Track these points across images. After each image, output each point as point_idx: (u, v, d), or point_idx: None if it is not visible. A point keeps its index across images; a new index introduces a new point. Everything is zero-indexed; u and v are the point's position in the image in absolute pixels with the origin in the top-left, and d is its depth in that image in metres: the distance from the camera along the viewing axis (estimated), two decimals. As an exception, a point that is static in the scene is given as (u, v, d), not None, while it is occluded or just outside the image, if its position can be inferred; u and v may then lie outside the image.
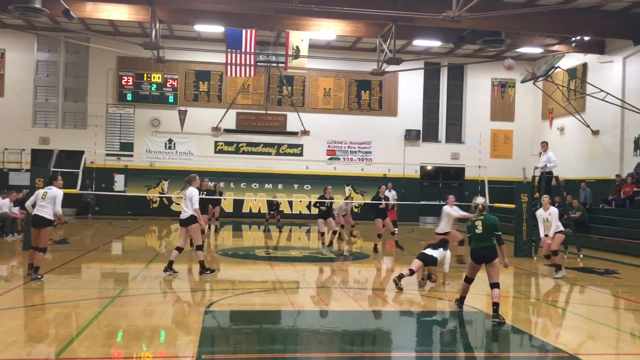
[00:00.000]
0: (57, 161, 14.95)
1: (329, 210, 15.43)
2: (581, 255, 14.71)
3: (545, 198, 12.39)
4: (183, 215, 10.64)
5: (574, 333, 7.41)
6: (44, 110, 25.30)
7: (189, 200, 10.52)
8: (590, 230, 17.97)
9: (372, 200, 15.66)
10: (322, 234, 15.47)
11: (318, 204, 15.42)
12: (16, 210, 16.55)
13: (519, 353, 6.87)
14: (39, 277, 9.56)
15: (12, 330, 6.63)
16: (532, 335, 7.33)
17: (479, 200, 8.10)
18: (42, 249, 9.64)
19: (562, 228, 12.11)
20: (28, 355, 5.71)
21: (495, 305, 7.58)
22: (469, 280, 8.10)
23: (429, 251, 9.84)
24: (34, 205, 9.85)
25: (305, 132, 26.28)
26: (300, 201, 25.48)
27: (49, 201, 9.68)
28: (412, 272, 9.70)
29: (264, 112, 26.21)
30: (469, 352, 6.79)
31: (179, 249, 10.59)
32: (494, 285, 7.73)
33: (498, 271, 7.84)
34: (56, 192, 9.80)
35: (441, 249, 9.93)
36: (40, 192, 9.95)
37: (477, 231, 7.85)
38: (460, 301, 8.27)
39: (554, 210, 12.06)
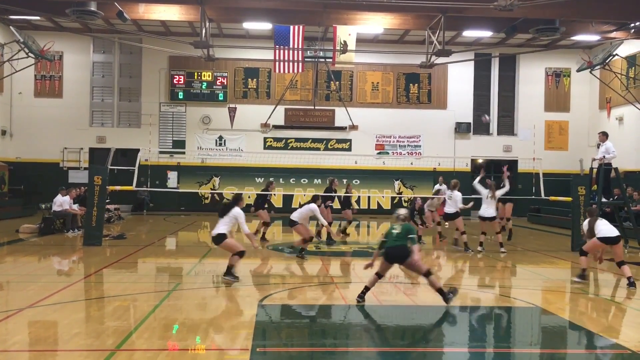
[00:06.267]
0: (114, 159, 15.43)
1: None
2: (643, 250, 14.16)
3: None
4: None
5: (636, 329, 7.15)
6: (100, 110, 26.15)
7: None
8: (652, 224, 17.22)
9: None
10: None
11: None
12: (76, 207, 17.14)
13: (578, 350, 6.67)
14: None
15: (75, 323, 6.90)
16: (592, 331, 7.11)
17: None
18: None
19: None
20: (91, 347, 5.93)
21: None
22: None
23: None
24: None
25: (353, 127, 26.22)
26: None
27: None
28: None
29: (312, 107, 26.30)
30: (525, 348, 6.64)
31: None
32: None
33: None
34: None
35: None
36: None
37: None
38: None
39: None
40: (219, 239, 9.39)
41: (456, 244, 14.22)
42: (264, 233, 15.52)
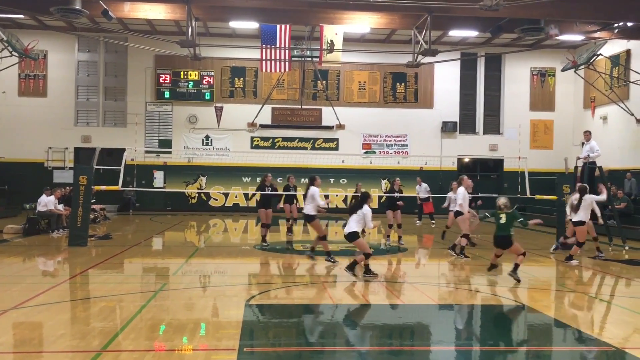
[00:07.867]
0: (99, 159, 15.29)
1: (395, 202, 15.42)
2: (627, 247, 14.36)
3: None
4: None
5: (620, 326, 7.23)
6: (86, 110, 25.94)
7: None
8: (635, 222, 17.46)
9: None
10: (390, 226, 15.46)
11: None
12: (61, 207, 16.99)
13: (564, 347, 6.74)
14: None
15: (60, 324, 6.84)
16: (577, 328, 7.18)
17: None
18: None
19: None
20: (76, 348, 5.88)
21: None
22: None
23: None
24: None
25: (340, 126, 26.24)
26: (337, 195, 25.48)
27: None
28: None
29: (299, 107, 26.28)
30: (511, 345, 6.69)
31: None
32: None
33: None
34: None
35: None
36: None
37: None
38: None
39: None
40: (352, 236, 9.99)
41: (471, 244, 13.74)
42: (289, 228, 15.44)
